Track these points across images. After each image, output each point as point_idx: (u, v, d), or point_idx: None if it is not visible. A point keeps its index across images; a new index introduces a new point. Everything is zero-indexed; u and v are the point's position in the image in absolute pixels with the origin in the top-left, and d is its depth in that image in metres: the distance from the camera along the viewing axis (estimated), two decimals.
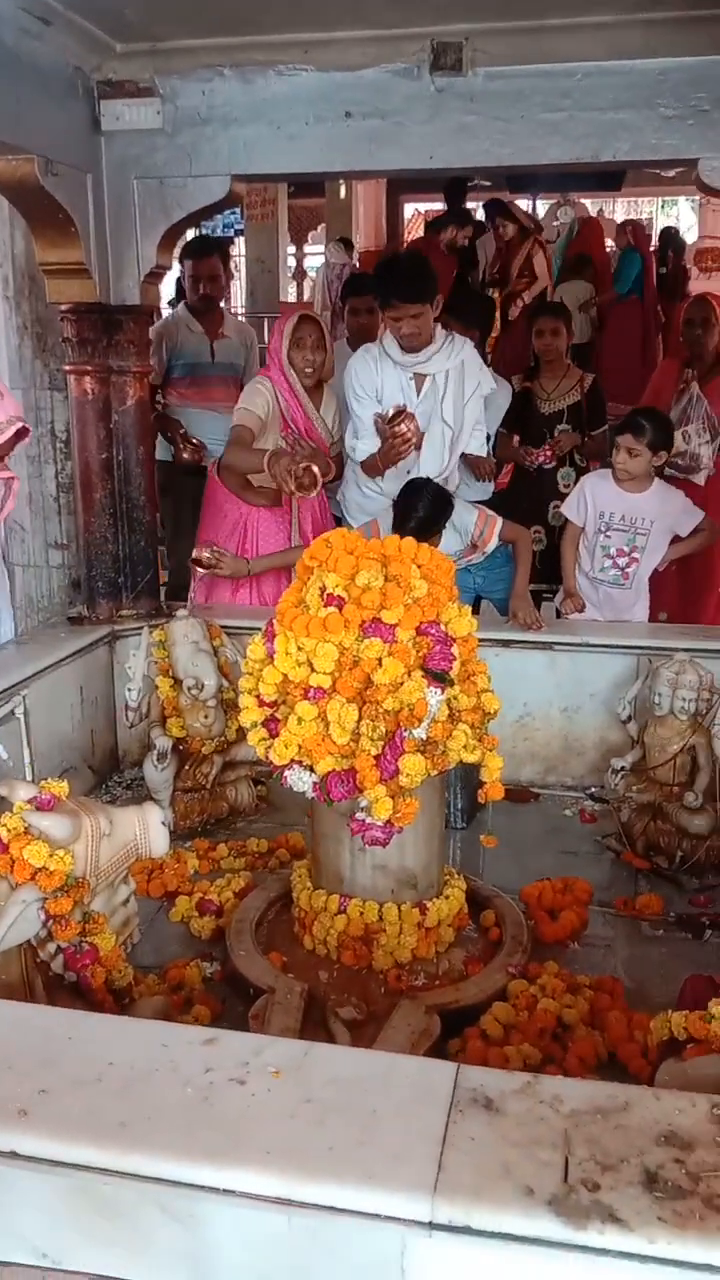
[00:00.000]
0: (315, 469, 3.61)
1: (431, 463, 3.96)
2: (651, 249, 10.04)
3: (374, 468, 3.91)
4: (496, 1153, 1.32)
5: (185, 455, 4.63)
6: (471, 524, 3.86)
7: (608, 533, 3.84)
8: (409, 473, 3.94)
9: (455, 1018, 2.34)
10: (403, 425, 3.72)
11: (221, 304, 5.26)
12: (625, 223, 10.54)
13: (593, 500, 3.85)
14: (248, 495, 4.07)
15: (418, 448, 3.87)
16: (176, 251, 4.33)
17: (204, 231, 6.66)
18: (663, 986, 2.56)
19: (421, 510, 3.58)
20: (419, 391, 3.95)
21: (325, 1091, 1.44)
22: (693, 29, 3.16)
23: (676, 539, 3.94)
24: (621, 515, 3.82)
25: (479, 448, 4.14)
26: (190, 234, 5.20)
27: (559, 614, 4.14)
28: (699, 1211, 1.23)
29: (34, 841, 2.00)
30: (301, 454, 3.77)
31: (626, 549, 3.84)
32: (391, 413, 3.76)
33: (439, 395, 3.96)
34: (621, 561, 3.86)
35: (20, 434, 3.02)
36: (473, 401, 4.02)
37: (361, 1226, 1.28)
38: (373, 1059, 1.65)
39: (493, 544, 3.91)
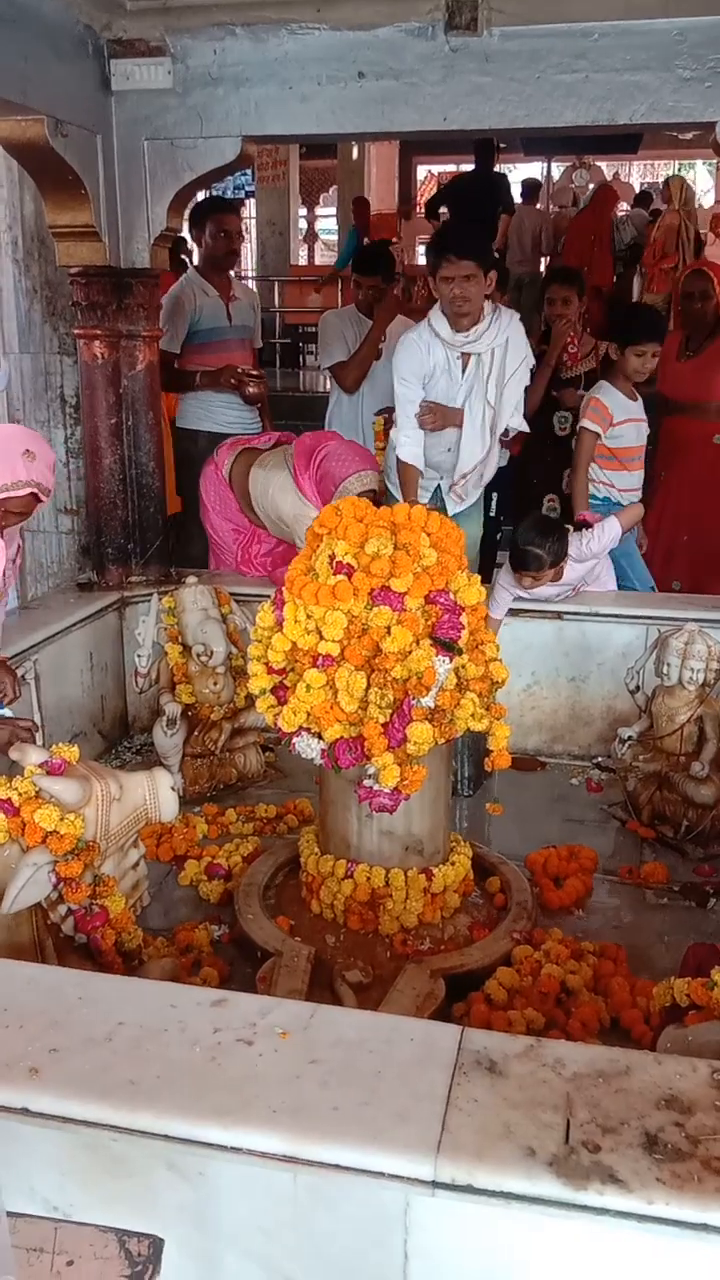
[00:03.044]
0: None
1: (472, 441, 3.83)
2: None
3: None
4: (499, 1114, 1.34)
5: (252, 389, 4.45)
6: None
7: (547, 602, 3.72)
8: (448, 450, 3.84)
9: (460, 982, 2.37)
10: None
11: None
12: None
13: (516, 593, 3.62)
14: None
15: (458, 426, 3.80)
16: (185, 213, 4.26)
17: (215, 192, 6.52)
18: (665, 954, 2.58)
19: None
20: (464, 369, 3.79)
21: (331, 1052, 1.46)
22: None
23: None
24: (551, 596, 3.69)
25: (519, 424, 3.93)
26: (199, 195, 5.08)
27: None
28: (697, 1173, 1.25)
29: (45, 805, 2.02)
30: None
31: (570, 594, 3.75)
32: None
33: (484, 374, 3.79)
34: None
35: (35, 499, 2.83)
36: (515, 380, 3.83)
37: (366, 1185, 1.30)
38: (378, 1021, 1.67)
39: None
